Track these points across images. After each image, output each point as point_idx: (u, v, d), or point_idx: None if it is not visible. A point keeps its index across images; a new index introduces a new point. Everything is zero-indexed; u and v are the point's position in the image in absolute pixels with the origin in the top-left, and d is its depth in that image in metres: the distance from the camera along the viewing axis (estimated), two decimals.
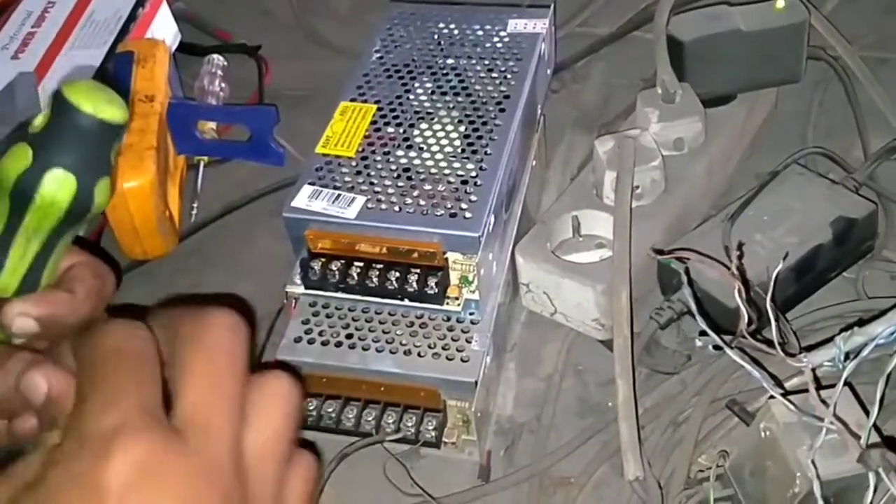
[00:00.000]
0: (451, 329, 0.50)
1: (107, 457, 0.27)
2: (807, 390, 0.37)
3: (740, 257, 0.44)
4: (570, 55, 0.71)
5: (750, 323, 0.39)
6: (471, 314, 0.50)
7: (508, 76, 0.56)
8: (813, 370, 0.37)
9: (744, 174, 0.61)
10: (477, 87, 0.56)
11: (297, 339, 0.50)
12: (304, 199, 0.50)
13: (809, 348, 0.37)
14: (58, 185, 0.34)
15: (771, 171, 0.57)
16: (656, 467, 0.46)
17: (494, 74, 0.57)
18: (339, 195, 0.50)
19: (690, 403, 0.49)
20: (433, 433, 0.49)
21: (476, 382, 0.48)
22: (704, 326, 0.40)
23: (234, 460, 0.29)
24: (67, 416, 0.29)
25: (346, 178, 0.51)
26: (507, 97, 0.55)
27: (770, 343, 0.39)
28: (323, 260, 0.50)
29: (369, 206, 0.49)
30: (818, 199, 0.53)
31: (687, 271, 0.45)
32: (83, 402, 0.29)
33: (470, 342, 0.49)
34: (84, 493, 0.27)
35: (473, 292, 0.50)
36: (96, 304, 0.39)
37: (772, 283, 0.37)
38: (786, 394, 0.37)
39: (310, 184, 0.51)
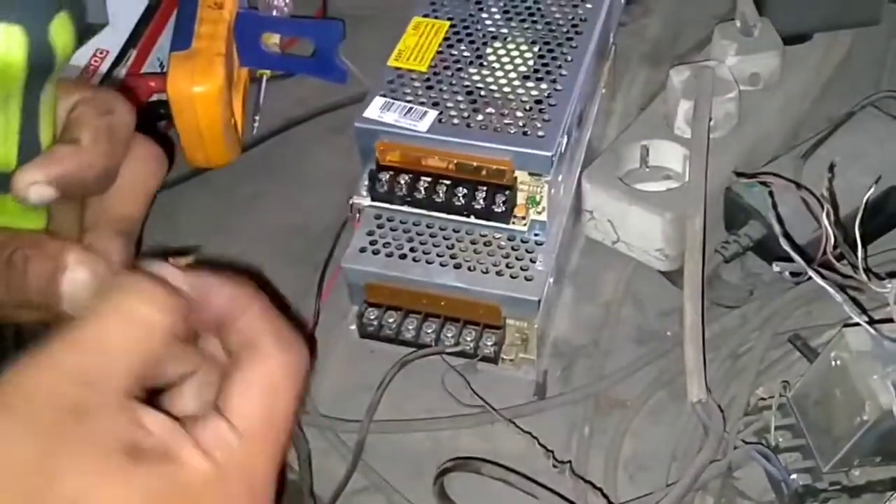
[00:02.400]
0: (515, 248, 0.50)
1: None
2: (886, 320, 0.37)
3: (831, 179, 0.43)
4: None
5: (835, 246, 0.39)
6: (536, 235, 0.50)
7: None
8: None
9: (814, 116, 0.60)
10: (552, 9, 0.55)
11: (362, 249, 0.50)
12: (376, 110, 0.50)
13: (892, 275, 0.37)
14: (3, 42, 0.30)
15: (845, 112, 0.56)
16: (715, 396, 0.46)
17: None
18: (410, 108, 0.50)
19: (751, 337, 0.49)
20: (492, 349, 0.49)
21: (539, 301, 0.48)
22: (787, 248, 0.40)
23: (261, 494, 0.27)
24: None
25: (418, 92, 0.51)
26: (583, 20, 0.54)
27: (847, 273, 0.39)
28: (391, 173, 0.50)
29: (441, 120, 0.49)
30: (893, 141, 0.53)
31: (771, 194, 0.44)
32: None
33: (534, 262, 0.49)
34: None
35: (540, 213, 0.49)
36: (111, 145, 0.34)
37: (862, 207, 0.37)
38: (871, 322, 0.37)
39: (381, 95, 0.51)
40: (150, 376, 0.27)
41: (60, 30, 0.31)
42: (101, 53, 0.61)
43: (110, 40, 0.62)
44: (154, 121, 0.62)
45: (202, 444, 0.26)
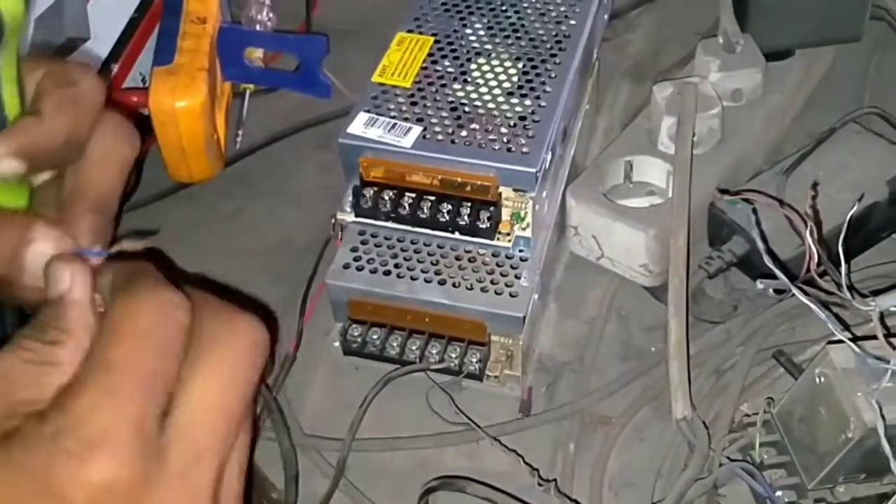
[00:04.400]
0: (500, 264, 0.50)
1: (79, 464, 0.24)
2: (870, 337, 0.37)
3: (814, 197, 0.44)
4: (624, 3, 0.71)
5: (819, 263, 0.39)
6: (520, 251, 0.50)
7: (569, 16, 0.56)
8: (881, 314, 0.37)
9: (796, 132, 0.60)
10: (536, 25, 0.55)
11: (346, 266, 0.50)
12: (360, 126, 0.50)
13: (875, 294, 0.37)
14: None
15: (827, 128, 0.56)
16: (700, 412, 0.46)
17: (554, 14, 0.56)
18: (395, 124, 0.50)
19: (735, 353, 0.49)
20: (476, 365, 0.49)
21: (524, 318, 0.48)
22: (771, 265, 0.40)
23: (213, 493, 0.27)
24: (60, 387, 0.26)
25: (403, 108, 0.51)
26: (566, 36, 0.54)
27: (831, 290, 0.39)
28: (375, 189, 0.50)
29: (425, 136, 0.49)
30: (875, 157, 0.53)
31: (754, 211, 0.45)
32: (84, 382, 0.26)
33: (519, 278, 0.49)
34: (38, 496, 0.24)
35: (525, 229, 0.49)
36: (74, 115, 0.35)
37: (845, 225, 0.37)
38: (855, 339, 0.37)
39: (365, 111, 0.51)
40: None
41: None
42: None
43: (92, 55, 0.61)
44: None
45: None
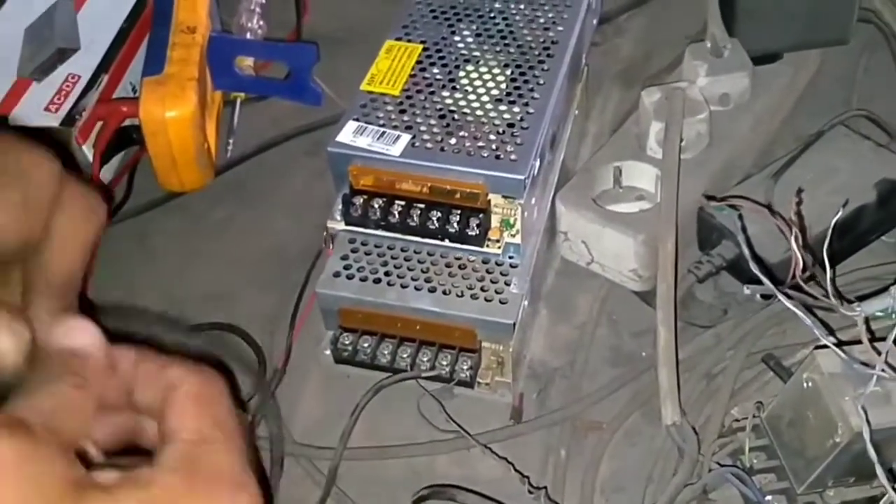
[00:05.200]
0: (489, 271, 0.50)
1: None
2: (857, 342, 0.37)
3: (799, 203, 0.44)
4: (613, 8, 0.71)
5: (805, 269, 0.39)
6: (510, 258, 0.50)
7: (557, 22, 0.56)
8: (866, 319, 0.37)
9: (785, 135, 0.60)
10: (524, 32, 0.55)
11: (336, 274, 0.50)
12: (349, 134, 0.50)
13: (861, 298, 0.37)
14: None
15: (815, 131, 0.56)
16: (690, 417, 0.46)
17: (542, 20, 0.56)
18: (383, 132, 0.50)
19: (725, 357, 0.49)
20: (467, 373, 0.49)
21: (514, 324, 0.48)
22: (757, 272, 0.40)
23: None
24: None
25: (391, 116, 0.51)
26: (554, 42, 0.54)
27: (817, 295, 0.39)
28: (365, 197, 0.50)
29: (414, 144, 0.49)
30: (863, 160, 0.53)
31: (741, 217, 0.45)
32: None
33: (509, 285, 0.49)
34: None
35: (514, 236, 0.49)
36: (23, 220, 0.32)
37: (829, 232, 0.37)
38: (839, 344, 0.37)
39: (354, 120, 0.51)
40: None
41: None
42: (72, 78, 0.60)
43: (82, 65, 0.61)
44: (126, 146, 0.61)
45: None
